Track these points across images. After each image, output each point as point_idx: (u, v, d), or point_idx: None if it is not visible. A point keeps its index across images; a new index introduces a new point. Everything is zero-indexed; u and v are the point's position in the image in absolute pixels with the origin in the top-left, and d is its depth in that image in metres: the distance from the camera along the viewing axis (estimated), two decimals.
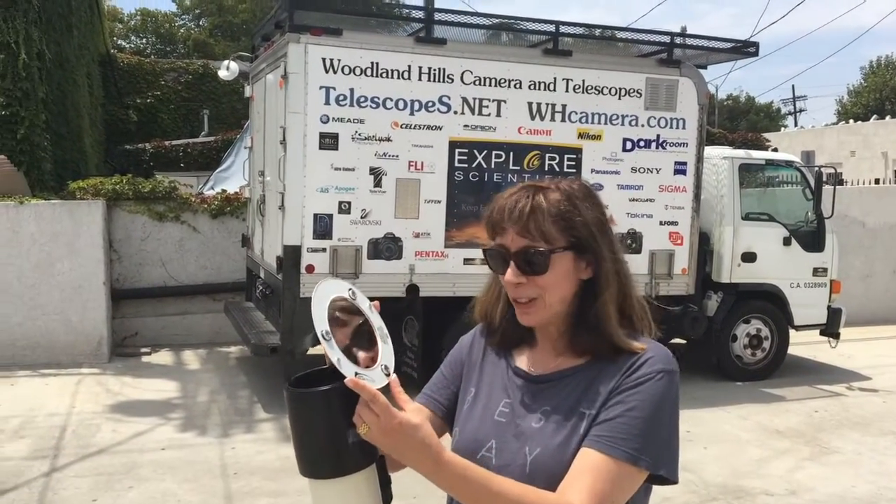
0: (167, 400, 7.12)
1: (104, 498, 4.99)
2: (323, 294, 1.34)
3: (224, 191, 9.76)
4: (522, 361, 1.54)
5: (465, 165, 6.95)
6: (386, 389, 1.32)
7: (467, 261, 7.01)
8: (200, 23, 41.36)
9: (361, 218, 6.73)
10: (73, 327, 8.15)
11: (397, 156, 6.78)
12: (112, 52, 19.34)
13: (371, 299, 1.42)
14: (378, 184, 6.75)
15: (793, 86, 64.82)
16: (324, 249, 6.65)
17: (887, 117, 30.87)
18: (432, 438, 1.29)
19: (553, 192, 1.43)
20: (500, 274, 1.45)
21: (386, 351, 1.38)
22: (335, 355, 1.27)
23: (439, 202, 6.92)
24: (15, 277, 7.96)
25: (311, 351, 6.64)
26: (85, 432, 6.17)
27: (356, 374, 1.28)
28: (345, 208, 6.69)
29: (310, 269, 6.62)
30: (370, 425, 1.25)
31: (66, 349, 8.06)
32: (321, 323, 1.30)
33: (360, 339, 1.36)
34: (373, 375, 1.31)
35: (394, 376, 1.33)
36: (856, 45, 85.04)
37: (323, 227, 6.66)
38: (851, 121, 33.28)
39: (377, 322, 1.40)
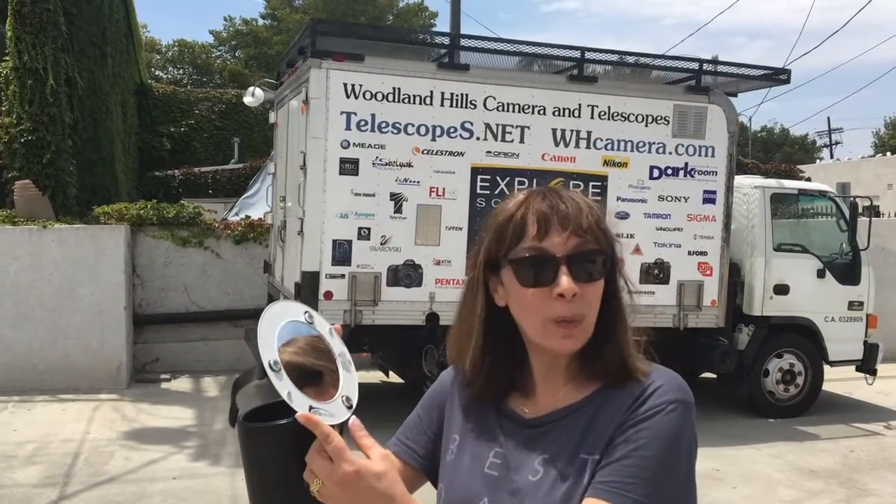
0: (183, 427, 7.02)
1: None
2: (273, 318, 1.20)
3: (248, 217, 9.75)
4: (513, 401, 1.33)
5: (488, 192, 6.83)
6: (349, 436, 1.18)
7: None
8: (236, 54, 42.02)
9: (381, 244, 6.62)
10: (93, 352, 8.11)
11: (418, 181, 6.68)
12: (148, 81, 19.67)
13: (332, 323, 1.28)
14: (398, 210, 6.65)
15: (828, 118, 64.12)
16: (342, 276, 6.55)
17: None
18: (396, 488, 1.11)
19: (570, 195, 1.25)
20: (538, 287, 1.20)
21: (348, 380, 1.23)
22: (285, 388, 1.13)
23: (461, 229, 6.79)
24: (37, 301, 7.96)
25: None
26: (97, 459, 6.08)
27: (310, 408, 1.15)
28: (364, 234, 6.59)
29: (328, 295, 6.51)
30: (321, 474, 1.08)
31: (85, 374, 8.01)
32: (269, 352, 1.15)
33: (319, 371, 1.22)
34: (331, 409, 1.16)
35: (354, 419, 1.16)
36: (893, 77, 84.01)
37: (342, 253, 6.56)
38: (889, 153, 32.66)
39: (338, 348, 1.25)
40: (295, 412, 1.11)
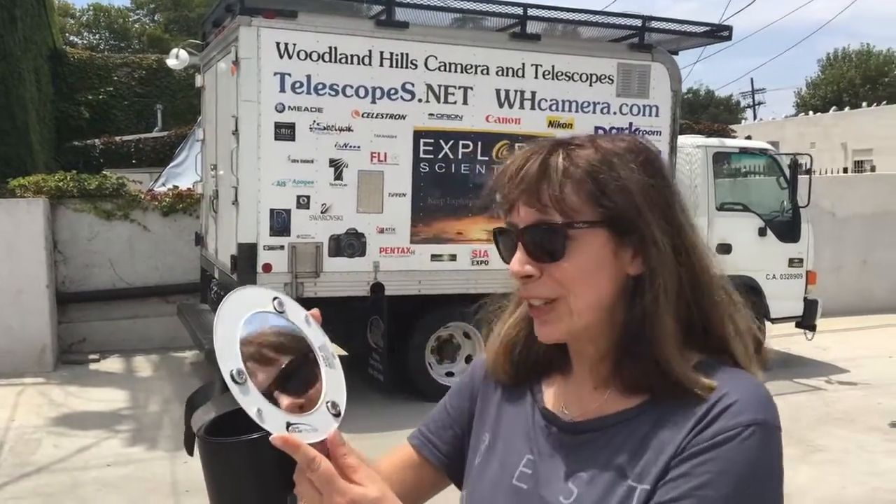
0: (115, 411, 6.65)
1: None
2: (232, 314, 0.95)
3: (176, 187, 9.29)
4: (553, 397, 1.12)
5: (431, 156, 6.58)
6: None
7: (434, 257, 6.65)
8: (155, 18, 40.39)
9: (322, 213, 6.32)
10: (14, 334, 7.61)
11: (359, 147, 6.38)
12: (62, 47, 18.65)
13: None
14: (339, 176, 6.35)
15: (751, 79, 65.58)
16: (282, 247, 6.23)
17: (846, 108, 31.13)
18: None
19: (583, 147, 1.01)
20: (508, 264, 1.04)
21: (333, 380, 1.00)
22: (253, 404, 0.89)
23: (404, 195, 6.54)
24: None
25: None
26: (24, 449, 5.69)
27: (288, 424, 0.91)
28: (303, 203, 6.27)
29: (267, 268, 6.20)
30: (309, 503, 0.88)
31: (7, 358, 7.52)
32: (230, 359, 0.91)
33: (294, 373, 0.98)
34: (313, 421, 0.93)
35: (332, 432, 0.93)
36: (813, 39, 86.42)
37: (280, 223, 6.24)
38: (811, 112, 33.54)
39: (318, 339, 1.02)
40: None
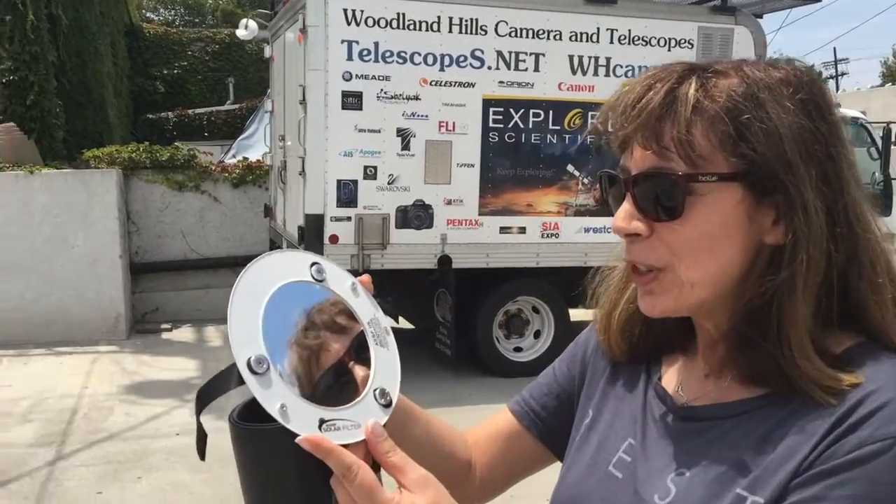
0: (186, 380, 6.71)
1: (110, 490, 4.58)
2: (257, 282, 0.80)
3: (245, 159, 9.30)
4: (670, 376, 0.95)
5: (501, 125, 6.38)
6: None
7: (503, 230, 6.47)
8: None
9: (388, 184, 6.20)
10: (89, 303, 7.76)
11: (426, 116, 6.22)
12: (139, 22, 18.97)
13: (355, 273, 0.88)
14: (406, 146, 6.21)
15: (834, 48, 62.82)
16: (348, 218, 6.14)
17: None
18: None
19: (724, 76, 0.80)
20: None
21: (384, 362, 0.85)
22: (275, 400, 0.74)
23: (472, 166, 6.36)
24: (28, 252, 7.57)
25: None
26: (96, 416, 5.78)
27: (321, 422, 0.76)
28: (370, 173, 6.16)
29: (333, 239, 6.12)
30: None
31: (82, 326, 7.67)
32: (248, 343, 0.76)
33: (336, 355, 0.82)
34: (356, 415, 0.78)
35: (373, 425, 0.78)
36: None
37: (347, 194, 6.14)
38: None
39: (367, 313, 0.87)
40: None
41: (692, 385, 0.90)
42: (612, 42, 6.53)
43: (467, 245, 6.40)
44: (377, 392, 0.82)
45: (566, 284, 6.77)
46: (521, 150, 6.42)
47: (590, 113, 6.50)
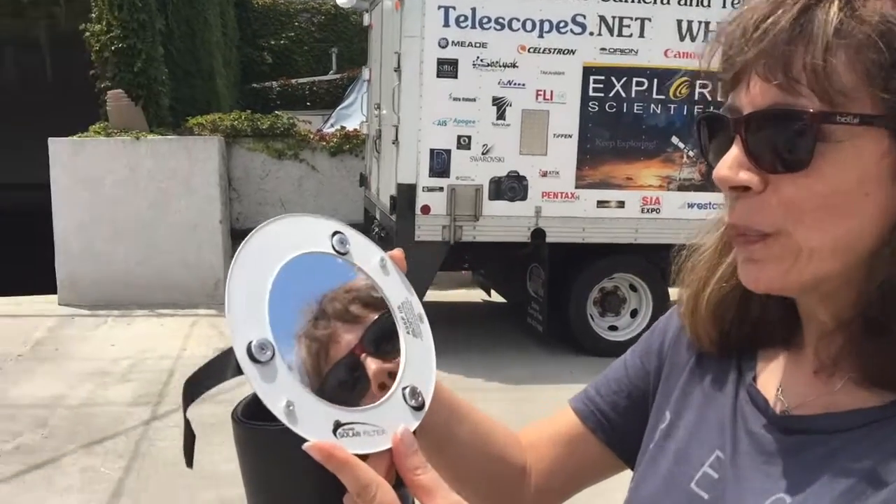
0: None
1: (201, 452, 4.47)
2: (264, 251, 0.67)
3: (343, 128, 9.32)
4: (768, 375, 0.77)
5: (601, 95, 6.10)
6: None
7: (601, 203, 6.22)
8: None
9: (482, 154, 6.04)
10: (190, 267, 7.96)
11: (523, 84, 6.00)
12: None
13: (380, 244, 0.74)
14: (501, 116, 6.02)
15: None
16: (441, 189, 6.02)
17: None
18: None
19: None
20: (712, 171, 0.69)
21: (416, 354, 0.70)
22: (280, 395, 0.61)
23: (570, 137, 6.12)
24: (133, 216, 7.81)
25: (452, 295, 6.10)
26: None
27: (337, 425, 0.63)
28: (464, 143, 6.01)
29: (425, 209, 6.02)
30: None
31: (183, 289, 7.88)
32: (251, 325, 0.63)
33: (374, 335, 0.70)
34: (380, 418, 0.65)
35: (402, 434, 0.65)
36: None
37: (440, 163, 6.02)
38: None
39: (398, 295, 0.72)
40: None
41: (796, 388, 0.73)
42: (724, 6, 6.13)
43: (562, 219, 6.18)
44: (407, 391, 0.68)
45: (666, 262, 6.46)
46: (623, 121, 6.13)
47: (697, 82, 6.13)
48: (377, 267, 0.73)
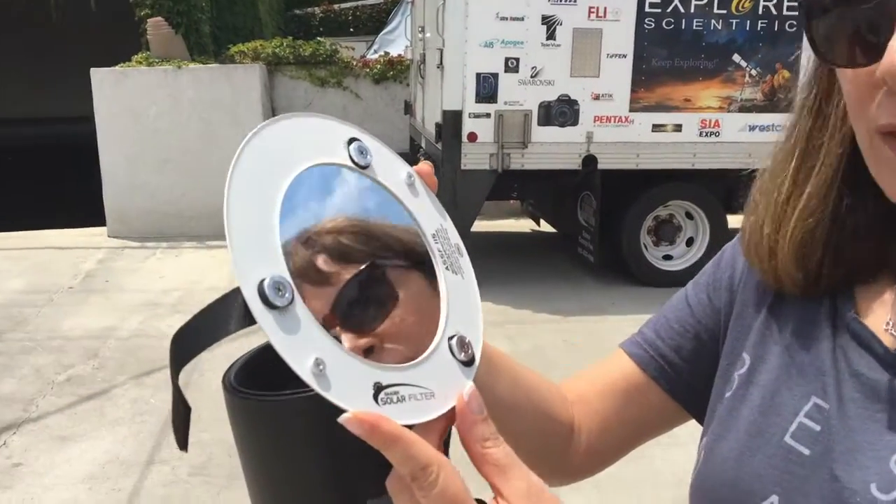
0: None
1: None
2: (270, 159, 0.52)
3: (387, 53, 9.06)
4: (874, 313, 0.64)
5: (658, 11, 5.75)
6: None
7: (657, 127, 5.93)
8: None
9: (531, 77, 5.77)
10: None
11: (575, 1, 5.69)
12: None
13: (407, 157, 0.63)
14: (551, 36, 5.73)
15: None
16: (488, 115, 5.80)
17: None
18: None
19: None
20: (854, 65, 0.53)
21: (458, 296, 0.56)
22: (308, 352, 0.47)
23: (625, 57, 5.81)
24: (178, 147, 7.75)
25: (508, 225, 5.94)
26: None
27: (378, 388, 0.49)
28: (512, 66, 5.75)
29: (472, 137, 5.82)
30: None
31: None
32: (261, 259, 0.48)
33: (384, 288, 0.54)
34: (425, 377, 0.51)
35: (469, 395, 0.51)
36: None
37: (487, 88, 5.78)
38: None
39: (431, 221, 0.58)
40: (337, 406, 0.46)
41: None
42: None
43: (615, 144, 5.93)
44: (454, 342, 0.54)
45: (725, 188, 6.19)
46: (681, 39, 5.79)
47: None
48: (403, 185, 0.58)
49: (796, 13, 5.79)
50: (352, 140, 0.56)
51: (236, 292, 0.49)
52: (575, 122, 5.85)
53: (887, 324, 0.62)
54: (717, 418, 0.71)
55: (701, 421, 0.77)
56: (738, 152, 5.95)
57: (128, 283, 6.54)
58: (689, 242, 6.39)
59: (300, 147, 0.54)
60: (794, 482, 0.61)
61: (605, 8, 5.69)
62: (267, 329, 0.46)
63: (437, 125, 5.94)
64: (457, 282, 0.56)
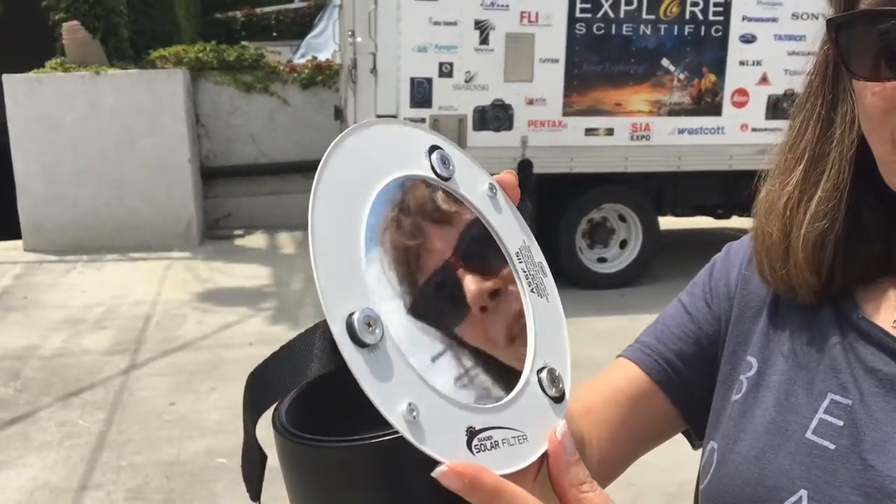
0: (259, 288, 6.58)
1: (183, 401, 4.47)
2: (351, 176, 0.46)
3: (314, 58, 8.92)
4: (879, 312, 0.66)
5: (589, 16, 5.81)
6: None
7: (589, 131, 6.00)
8: None
9: (465, 82, 5.76)
10: (161, 208, 7.65)
11: (507, 6, 5.70)
12: None
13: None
14: (484, 40, 5.73)
15: None
16: (423, 119, 5.75)
17: None
18: None
19: None
20: (881, 79, 0.57)
21: (544, 320, 0.51)
22: (401, 398, 0.42)
23: (557, 61, 5.85)
24: (98, 155, 7.45)
25: None
26: (169, 324, 5.69)
27: (471, 434, 0.43)
28: (446, 70, 5.72)
29: None
30: None
31: (155, 231, 7.59)
32: (345, 290, 0.43)
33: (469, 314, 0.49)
34: (516, 416, 0.46)
35: (560, 436, 0.47)
36: None
37: (421, 93, 5.74)
38: None
39: (514, 239, 0.53)
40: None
41: None
42: None
43: (550, 148, 5.96)
44: (544, 376, 0.49)
45: (655, 191, 6.30)
46: (611, 43, 5.86)
47: (688, 0, 5.87)
48: (486, 197, 0.53)
49: (721, 18, 5.94)
50: (433, 148, 0.51)
51: (317, 328, 0.42)
52: (510, 127, 5.86)
53: (895, 321, 0.64)
54: (726, 421, 0.72)
55: (693, 432, 0.80)
56: (669, 155, 6.06)
57: (48, 299, 6.24)
58: (623, 245, 6.47)
59: (381, 159, 0.48)
60: (823, 476, 0.62)
61: (537, 13, 5.72)
62: (356, 372, 0.40)
63: None
64: (542, 305, 0.51)
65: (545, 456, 0.47)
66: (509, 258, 0.52)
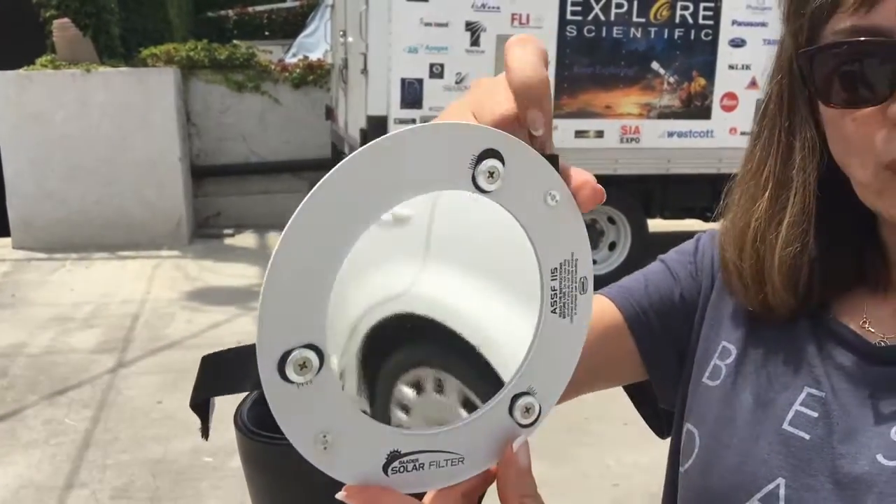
0: (248, 287, 6.57)
1: (170, 400, 4.46)
2: (351, 196, 0.42)
3: (306, 57, 8.92)
4: (847, 312, 0.71)
5: (580, 18, 5.83)
6: None
7: (579, 133, 6.01)
8: None
9: (456, 83, 5.76)
10: (151, 206, 7.63)
11: (498, 7, 5.71)
12: None
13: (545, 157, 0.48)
14: (475, 42, 5.74)
15: None
16: (413, 120, 5.76)
17: None
18: None
19: None
20: (859, 106, 0.59)
21: (550, 341, 0.48)
22: (312, 426, 0.44)
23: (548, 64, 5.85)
24: (88, 153, 7.42)
25: None
26: (158, 323, 5.68)
27: (390, 457, 0.46)
28: (437, 72, 5.73)
29: None
30: None
31: (144, 229, 7.57)
32: (299, 324, 0.42)
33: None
34: (460, 444, 0.47)
35: (519, 444, 0.48)
36: None
37: (412, 94, 5.75)
38: None
39: (558, 250, 0.48)
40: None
41: (885, 322, 0.68)
42: None
43: None
44: (518, 406, 0.47)
45: (645, 193, 6.33)
46: (602, 46, 5.88)
47: (679, 3, 5.90)
48: (541, 205, 0.47)
49: (711, 22, 5.96)
50: (488, 154, 0.45)
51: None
52: None
53: (863, 322, 0.68)
54: (704, 406, 0.75)
55: (650, 386, 0.82)
56: (658, 158, 6.09)
57: (36, 296, 6.22)
58: (612, 247, 6.49)
59: (408, 172, 0.44)
60: (799, 465, 0.65)
61: (528, 15, 5.74)
62: (271, 405, 0.41)
63: (362, 130, 5.87)
64: (560, 327, 0.48)
65: (488, 477, 0.47)
66: (541, 275, 0.48)
